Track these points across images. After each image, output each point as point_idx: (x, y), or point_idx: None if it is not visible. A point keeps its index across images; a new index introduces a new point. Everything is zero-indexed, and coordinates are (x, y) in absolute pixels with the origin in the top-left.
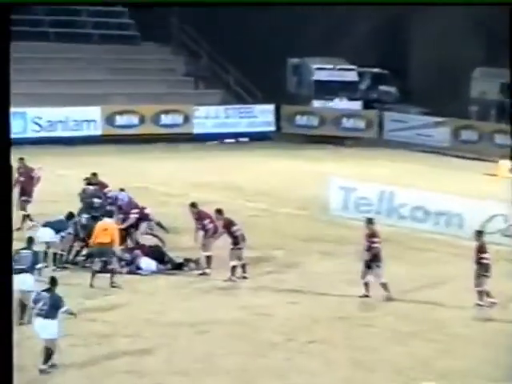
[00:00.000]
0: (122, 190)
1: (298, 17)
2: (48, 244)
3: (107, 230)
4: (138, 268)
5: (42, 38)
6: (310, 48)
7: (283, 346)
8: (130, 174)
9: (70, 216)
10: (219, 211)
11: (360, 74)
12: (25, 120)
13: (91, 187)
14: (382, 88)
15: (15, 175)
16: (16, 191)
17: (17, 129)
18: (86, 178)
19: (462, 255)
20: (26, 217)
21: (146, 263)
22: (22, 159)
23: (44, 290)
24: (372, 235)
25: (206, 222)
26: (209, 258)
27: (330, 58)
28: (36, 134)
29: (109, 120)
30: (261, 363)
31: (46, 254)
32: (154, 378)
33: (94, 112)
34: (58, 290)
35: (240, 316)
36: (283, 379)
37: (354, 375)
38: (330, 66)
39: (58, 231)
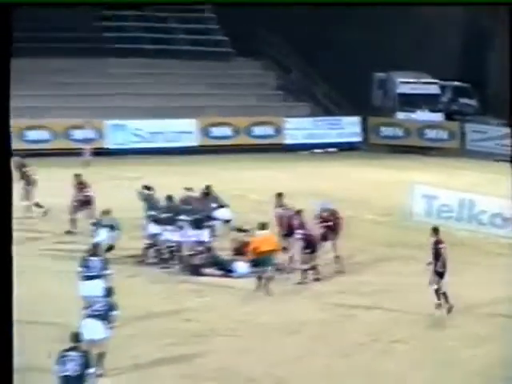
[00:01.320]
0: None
1: (384, 31)
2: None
3: (269, 239)
4: (231, 271)
5: (141, 54)
6: (394, 62)
7: (368, 346)
8: (226, 183)
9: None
10: (298, 212)
11: (442, 87)
12: (125, 132)
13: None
14: (463, 100)
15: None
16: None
17: (117, 140)
18: (187, 188)
19: None
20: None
21: (240, 266)
22: (78, 175)
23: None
24: (438, 242)
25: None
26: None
27: (413, 72)
28: (136, 145)
29: (204, 131)
30: (347, 363)
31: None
32: (248, 376)
33: (191, 124)
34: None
35: (325, 317)
36: (369, 379)
37: (437, 374)
38: (414, 80)
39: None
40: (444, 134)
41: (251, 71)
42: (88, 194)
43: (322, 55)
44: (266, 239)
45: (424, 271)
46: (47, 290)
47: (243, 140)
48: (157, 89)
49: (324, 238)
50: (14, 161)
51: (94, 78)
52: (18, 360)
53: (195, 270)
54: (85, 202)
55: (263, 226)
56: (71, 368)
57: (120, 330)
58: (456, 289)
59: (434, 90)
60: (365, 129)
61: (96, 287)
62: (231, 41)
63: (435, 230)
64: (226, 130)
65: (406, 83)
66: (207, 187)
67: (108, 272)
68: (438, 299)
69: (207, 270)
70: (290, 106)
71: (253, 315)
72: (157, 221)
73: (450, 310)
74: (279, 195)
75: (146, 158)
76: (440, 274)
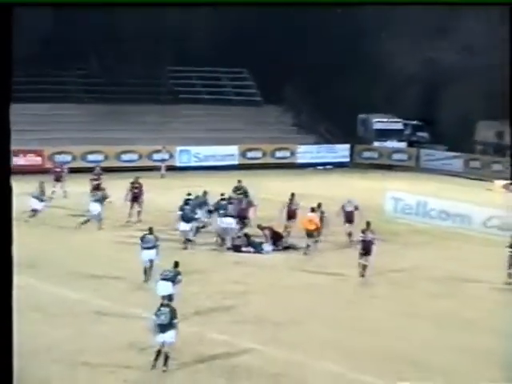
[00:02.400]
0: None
1: (366, 88)
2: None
3: (312, 220)
4: (262, 249)
5: (201, 102)
6: (372, 108)
7: (357, 301)
8: (258, 190)
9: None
10: (313, 209)
11: (404, 125)
12: (189, 155)
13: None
14: (419, 133)
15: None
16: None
17: (184, 160)
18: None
19: (471, 242)
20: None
21: (266, 247)
22: (137, 177)
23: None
24: (365, 231)
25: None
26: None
27: (385, 114)
28: (196, 164)
29: (243, 154)
30: (344, 312)
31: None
32: (275, 321)
33: (233, 149)
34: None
35: (327, 281)
36: (359, 322)
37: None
38: (385, 120)
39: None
40: (405, 157)
41: (274, 113)
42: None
43: (324, 102)
44: (311, 220)
45: (391, 250)
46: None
47: (268, 160)
48: (211, 125)
49: (349, 221)
50: (94, 173)
51: (169, 118)
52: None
53: (237, 249)
54: (136, 197)
55: (313, 210)
56: (164, 319)
57: (184, 288)
58: (417, 261)
59: (399, 126)
60: (352, 153)
61: (151, 255)
62: (261, 92)
63: (368, 224)
64: (257, 153)
65: (380, 122)
66: (244, 193)
67: (158, 244)
68: (363, 269)
69: (244, 249)
70: (301, 137)
71: (277, 280)
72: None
73: (364, 276)
74: (292, 195)
75: (202, 172)
76: (366, 253)
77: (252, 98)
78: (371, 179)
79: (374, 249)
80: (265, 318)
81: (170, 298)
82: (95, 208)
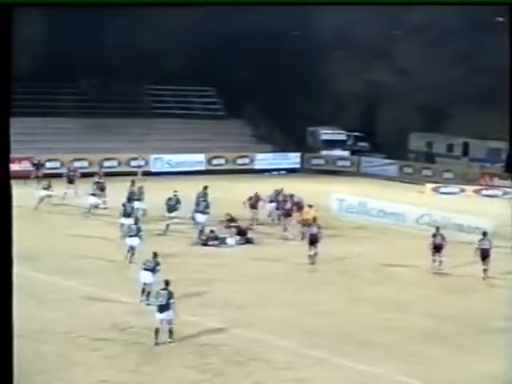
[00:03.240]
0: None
1: (313, 100)
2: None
3: (309, 213)
4: (225, 243)
5: (172, 116)
6: (320, 121)
7: (311, 284)
8: (222, 191)
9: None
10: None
11: (347, 136)
12: (162, 162)
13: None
14: (360, 143)
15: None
16: None
17: (157, 166)
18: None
19: (406, 235)
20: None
21: (230, 240)
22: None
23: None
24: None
25: None
26: None
27: (330, 127)
28: (168, 169)
29: (209, 161)
30: (298, 296)
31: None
32: (238, 304)
33: (201, 157)
34: None
35: (288, 269)
36: (315, 306)
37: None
38: (331, 132)
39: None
40: (349, 163)
41: (236, 126)
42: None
43: (279, 116)
44: (309, 212)
45: (337, 242)
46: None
47: (231, 166)
48: (181, 136)
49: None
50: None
51: (146, 130)
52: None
53: (204, 243)
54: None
55: (310, 206)
56: (162, 299)
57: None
58: (359, 252)
59: (343, 137)
60: (302, 160)
61: (134, 241)
62: (225, 108)
63: (314, 219)
64: (221, 161)
65: (327, 133)
66: (205, 194)
67: (141, 233)
68: (313, 258)
69: (210, 243)
70: (259, 146)
71: (239, 269)
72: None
73: (314, 263)
74: (255, 194)
75: (174, 177)
76: (314, 243)
77: (217, 112)
78: (319, 183)
79: (320, 241)
80: (228, 302)
81: (150, 285)
82: (92, 200)
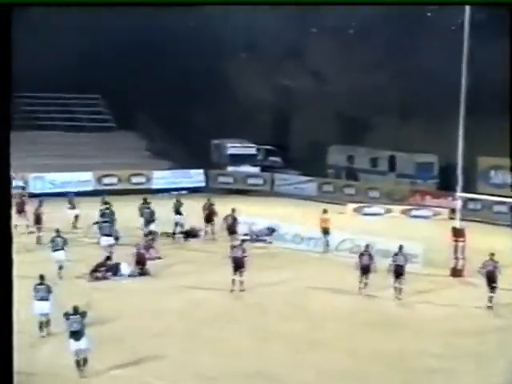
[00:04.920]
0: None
1: (217, 110)
2: None
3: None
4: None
5: (56, 128)
6: (225, 133)
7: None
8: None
9: None
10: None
11: (257, 150)
12: (43, 181)
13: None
14: (272, 158)
15: None
16: None
17: (38, 186)
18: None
19: (324, 260)
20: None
21: (124, 268)
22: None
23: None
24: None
25: None
26: None
27: (238, 139)
28: (51, 190)
29: (98, 180)
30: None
31: None
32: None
33: (88, 175)
34: None
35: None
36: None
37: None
38: (238, 145)
39: None
40: (261, 181)
41: (128, 139)
42: None
43: (177, 128)
44: (327, 219)
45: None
46: None
47: (126, 186)
48: (65, 152)
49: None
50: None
51: (22, 145)
52: None
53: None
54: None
55: (325, 211)
56: (75, 326)
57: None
58: (270, 279)
59: (252, 151)
60: (207, 178)
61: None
62: (114, 118)
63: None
64: (113, 179)
65: (234, 147)
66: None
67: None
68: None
69: (99, 274)
70: (156, 162)
71: (134, 304)
72: None
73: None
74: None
75: (57, 198)
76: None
77: (105, 124)
78: (226, 204)
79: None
80: (124, 339)
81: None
82: None
